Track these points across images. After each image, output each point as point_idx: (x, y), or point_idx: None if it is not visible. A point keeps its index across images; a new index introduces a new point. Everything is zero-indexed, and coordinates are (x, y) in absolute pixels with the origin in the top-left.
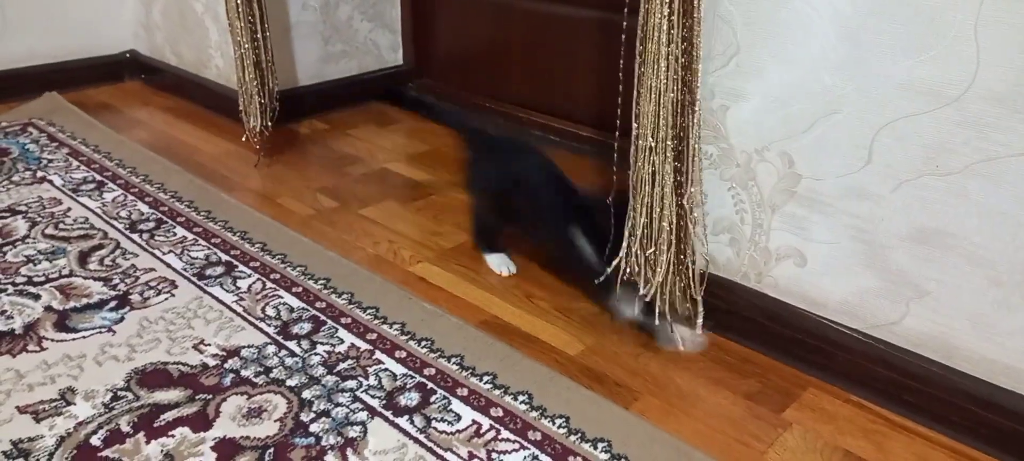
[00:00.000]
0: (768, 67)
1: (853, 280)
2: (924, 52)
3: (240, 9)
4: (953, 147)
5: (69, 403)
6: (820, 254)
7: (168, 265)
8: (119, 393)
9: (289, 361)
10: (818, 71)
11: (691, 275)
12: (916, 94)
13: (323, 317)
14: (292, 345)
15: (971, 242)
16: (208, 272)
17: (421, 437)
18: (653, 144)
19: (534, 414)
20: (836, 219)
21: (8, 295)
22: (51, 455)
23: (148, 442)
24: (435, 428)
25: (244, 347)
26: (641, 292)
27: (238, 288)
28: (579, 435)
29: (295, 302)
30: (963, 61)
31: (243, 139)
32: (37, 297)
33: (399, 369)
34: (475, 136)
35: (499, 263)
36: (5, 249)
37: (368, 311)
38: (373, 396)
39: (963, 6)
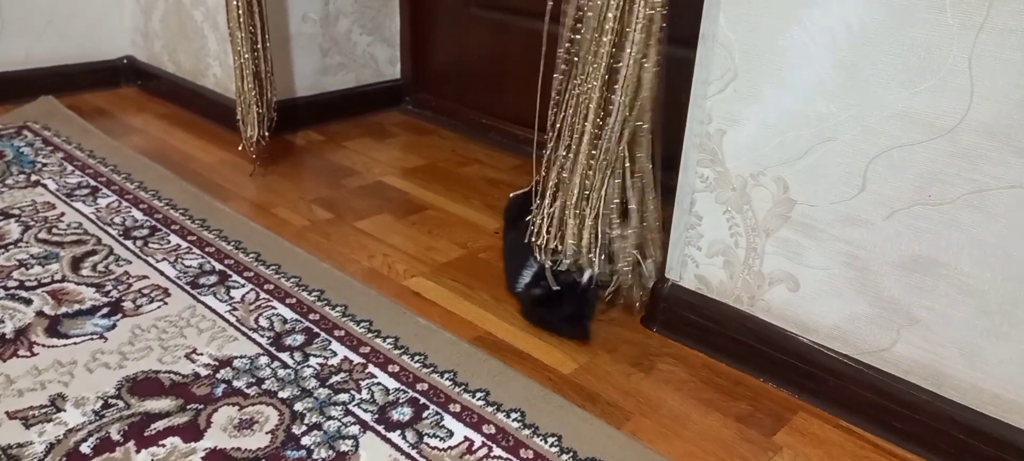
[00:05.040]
0: (765, 93)
1: (845, 306)
2: (919, 83)
3: (241, 19)
4: (946, 178)
5: (59, 410)
6: (813, 279)
7: (161, 273)
8: (110, 401)
9: (281, 373)
10: (814, 99)
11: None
12: (910, 124)
13: (316, 329)
14: (285, 356)
15: (962, 272)
16: (201, 281)
17: (413, 452)
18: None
19: (526, 432)
20: (829, 245)
21: None
22: None
23: (138, 451)
24: (427, 444)
25: (236, 357)
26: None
27: (231, 298)
28: (571, 454)
29: (288, 313)
30: (957, 94)
31: (239, 148)
32: (29, 302)
33: (392, 383)
34: None
35: None
36: None
37: (362, 324)
38: (365, 410)
39: (958, 40)
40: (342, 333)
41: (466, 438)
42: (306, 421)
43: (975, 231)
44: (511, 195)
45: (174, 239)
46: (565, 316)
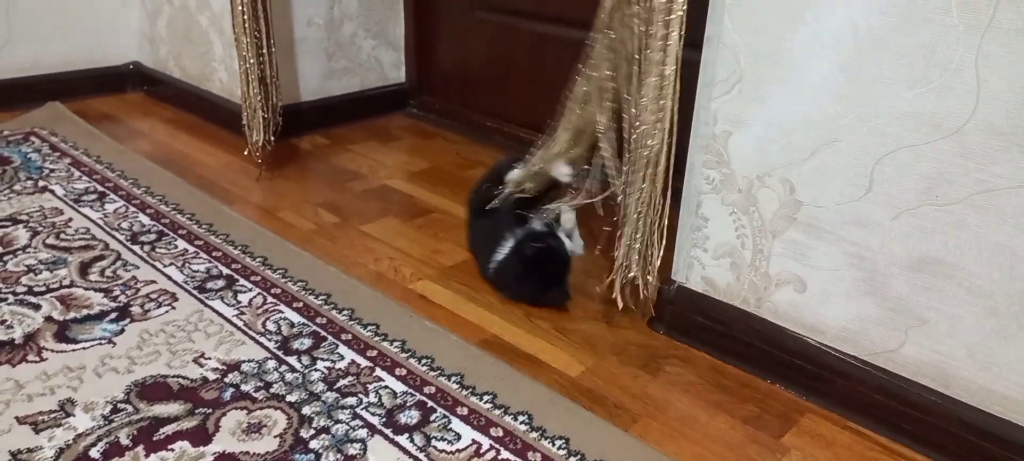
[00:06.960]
0: (771, 95)
1: (852, 307)
2: (925, 84)
3: (246, 24)
4: (953, 178)
5: (68, 414)
6: (820, 281)
7: (169, 278)
8: (119, 405)
9: (289, 377)
10: (820, 100)
11: None
12: (917, 125)
13: (323, 333)
14: (292, 360)
15: (970, 272)
16: (209, 285)
17: (421, 456)
18: None
19: (534, 435)
20: (836, 246)
21: (8, 304)
22: None
23: (147, 455)
24: (435, 447)
25: (244, 362)
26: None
27: (239, 302)
28: (579, 457)
29: (296, 317)
30: (964, 94)
31: (245, 153)
32: (37, 307)
33: (399, 387)
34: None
35: None
36: (6, 258)
37: (368, 328)
38: (373, 413)
39: (964, 40)
40: (349, 337)
41: (474, 441)
42: (314, 425)
43: (983, 231)
44: (473, 188)
45: (181, 244)
46: (543, 285)
